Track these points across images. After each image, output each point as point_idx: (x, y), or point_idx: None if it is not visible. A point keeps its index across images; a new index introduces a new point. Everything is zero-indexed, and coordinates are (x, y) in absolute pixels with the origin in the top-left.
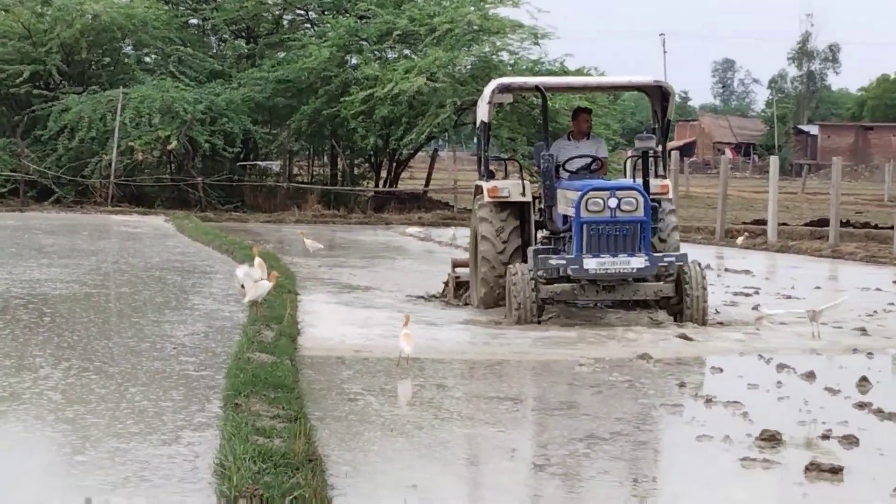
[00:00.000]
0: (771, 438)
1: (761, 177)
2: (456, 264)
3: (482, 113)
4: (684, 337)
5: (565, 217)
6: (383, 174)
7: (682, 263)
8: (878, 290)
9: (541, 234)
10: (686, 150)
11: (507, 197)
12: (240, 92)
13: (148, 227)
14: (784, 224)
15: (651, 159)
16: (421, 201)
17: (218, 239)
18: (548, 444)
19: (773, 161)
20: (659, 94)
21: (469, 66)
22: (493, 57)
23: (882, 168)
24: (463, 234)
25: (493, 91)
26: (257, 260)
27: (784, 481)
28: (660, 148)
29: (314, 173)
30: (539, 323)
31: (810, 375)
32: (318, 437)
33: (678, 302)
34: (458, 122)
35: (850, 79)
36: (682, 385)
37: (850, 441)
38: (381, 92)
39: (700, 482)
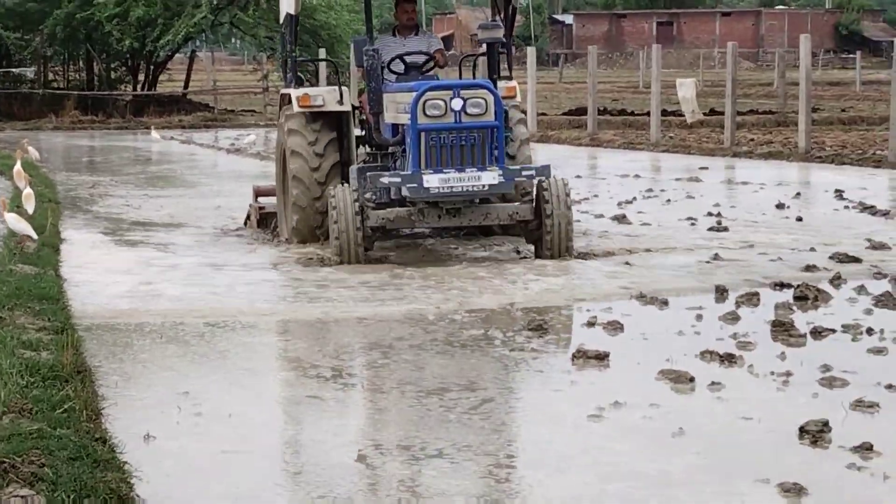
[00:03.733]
0: (538, 328)
1: (519, 68)
2: (258, 192)
3: (288, 4)
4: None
5: (395, 127)
6: (141, 78)
7: (542, 178)
8: (637, 176)
9: (363, 150)
10: (444, 44)
11: (321, 106)
12: None
13: None
14: (543, 114)
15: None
16: (181, 104)
17: None
18: (340, 353)
19: (531, 52)
20: None
21: None
22: None
23: (636, 55)
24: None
25: None
26: (17, 168)
27: (553, 368)
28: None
29: (70, 79)
30: (366, 261)
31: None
32: (86, 348)
33: (538, 227)
34: (215, 22)
35: None
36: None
37: (615, 327)
38: None
39: (470, 373)
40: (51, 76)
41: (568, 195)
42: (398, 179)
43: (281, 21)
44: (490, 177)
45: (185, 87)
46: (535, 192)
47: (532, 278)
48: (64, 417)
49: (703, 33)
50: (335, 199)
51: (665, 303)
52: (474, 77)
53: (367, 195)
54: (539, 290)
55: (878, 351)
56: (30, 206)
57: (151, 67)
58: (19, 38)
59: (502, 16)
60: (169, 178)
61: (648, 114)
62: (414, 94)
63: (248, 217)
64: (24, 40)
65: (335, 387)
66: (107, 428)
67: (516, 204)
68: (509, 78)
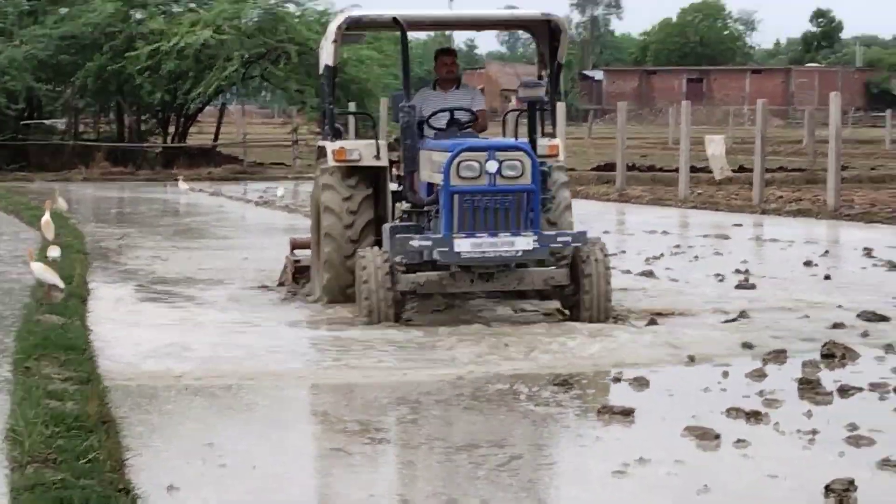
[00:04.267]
0: (563, 383)
1: (548, 123)
2: (295, 245)
3: (326, 56)
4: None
5: (431, 186)
6: (171, 130)
7: (578, 245)
8: (665, 233)
9: (401, 207)
10: None
11: (357, 161)
12: (22, 49)
13: None
14: (572, 169)
15: (538, 113)
16: (210, 156)
17: (3, 200)
18: (367, 408)
19: (560, 107)
20: (547, 32)
21: (256, 18)
22: (279, 9)
23: (665, 111)
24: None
25: (340, 27)
26: (45, 218)
27: (578, 424)
28: (548, 98)
29: (101, 130)
30: (398, 321)
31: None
32: (111, 399)
33: (574, 292)
34: (245, 76)
35: (632, 23)
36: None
37: (641, 383)
38: (167, 46)
39: (498, 429)
40: (81, 127)
41: (607, 264)
42: (429, 243)
43: (321, 72)
44: (524, 242)
45: (215, 139)
46: (571, 256)
47: (565, 340)
48: (88, 468)
49: (732, 90)
50: (365, 262)
51: (692, 359)
52: (516, 135)
53: (399, 258)
54: (572, 353)
55: None
56: (54, 253)
57: (182, 120)
58: (51, 90)
59: (548, 72)
60: (198, 231)
61: (677, 170)
62: (448, 154)
63: (285, 269)
64: (56, 92)
65: (362, 441)
66: (130, 479)
67: (552, 269)
68: (552, 135)
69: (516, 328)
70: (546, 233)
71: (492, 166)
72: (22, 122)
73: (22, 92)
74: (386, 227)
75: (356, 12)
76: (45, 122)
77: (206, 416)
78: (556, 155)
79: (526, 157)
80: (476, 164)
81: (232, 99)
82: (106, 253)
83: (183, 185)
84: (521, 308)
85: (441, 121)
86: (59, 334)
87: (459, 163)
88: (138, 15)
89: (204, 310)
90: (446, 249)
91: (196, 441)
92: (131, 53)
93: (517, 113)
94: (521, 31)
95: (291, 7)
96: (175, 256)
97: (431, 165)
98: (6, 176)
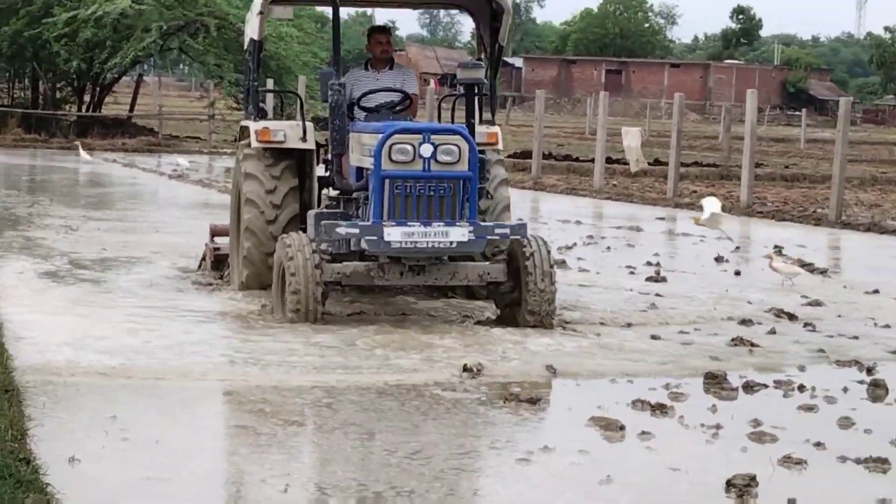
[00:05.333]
0: (471, 370)
1: (486, 109)
2: (215, 232)
3: (251, 29)
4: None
5: (360, 170)
6: (87, 99)
7: (519, 237)
8: (579, 222)
9: (327, 193)
10: None
11: (282, 142)
12: None
13: None
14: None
15: (477, 97)
16: (125, 127)
17: None
18: (280, 390)
19: None
20: (488, 13)
21: None
22: None
23: (584, 101)
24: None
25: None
26: None
27: (485, 411)
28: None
29: (15, 96)
30: (323, 315)
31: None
32: (15, 366)
33: (512, 290)
34: (163, 47)
35: (554, 12)
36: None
37: (548, 370)
38: (84, 14)
39: (409, 416)
40: None
41: (551, 260)
42: (356, 231)
43: (245, 47)
44: (459, 233)
45: (131, 110)
46: (508, 251)
47: (502, 339)
48: None
49: (651, 83)
50: (291, 249)
51: (600, 348)
52: (452, 121)
53: (324, 245)
54: (504, 357)
55: (809, 408)
56: None
57: (97, 89)
58: None
59: (487, 54)
60: (110, 203)
61: (593, 160)
62: (379, 136)
63: (204, 257)
64: None
65: (273, 422)
66: (31, 448)
67: (487, 263)
68: (491, 122)
69: (450, 330)
70: (483, 223)
71: (426, 150)
72: None
73: None
74: (311, 213)
75: None
76: None
77: (111, 389)
78: (496, 143)
79: (463, 141)
80: (409, 148)
81: (149, 70)
82: (16, 221)
83: (84, 154)
84: (465, 315)
85: (372, 102)
86: None
87: (392, 145)
88: None
89: (115, 294)
90: (375, 238)
91: (99, 414)
92: (48, 20)
93: (454, 98)
94: (443, 13)
95: None
96: (86, 227)
97: (361, 149)
98: None
